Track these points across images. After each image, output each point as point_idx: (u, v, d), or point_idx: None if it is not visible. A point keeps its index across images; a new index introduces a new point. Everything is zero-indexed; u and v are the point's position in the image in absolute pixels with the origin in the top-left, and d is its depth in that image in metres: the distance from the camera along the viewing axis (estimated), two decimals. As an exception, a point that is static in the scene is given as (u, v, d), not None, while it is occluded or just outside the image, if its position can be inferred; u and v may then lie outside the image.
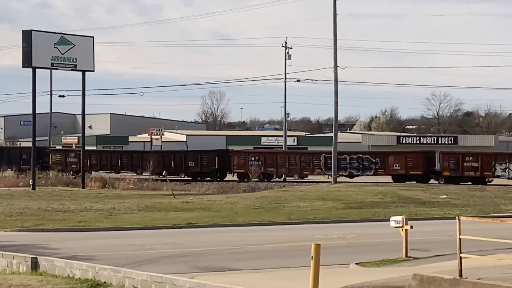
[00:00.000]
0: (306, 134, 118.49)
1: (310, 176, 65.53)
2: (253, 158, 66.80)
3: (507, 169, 60.30)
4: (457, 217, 15.14)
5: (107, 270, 18.27)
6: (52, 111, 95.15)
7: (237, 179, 65.32)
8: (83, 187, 56.94)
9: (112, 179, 61.58)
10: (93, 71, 58.11)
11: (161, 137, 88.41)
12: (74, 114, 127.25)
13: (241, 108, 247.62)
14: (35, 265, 20.09)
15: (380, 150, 73.77)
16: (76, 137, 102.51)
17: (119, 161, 70.35)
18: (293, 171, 64.75)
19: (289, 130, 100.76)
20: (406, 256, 22.55)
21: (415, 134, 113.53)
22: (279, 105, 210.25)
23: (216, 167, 66.94)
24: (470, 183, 59.79)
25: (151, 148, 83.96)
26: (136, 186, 58.07)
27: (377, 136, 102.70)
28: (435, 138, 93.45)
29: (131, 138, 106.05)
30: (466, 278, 14.39)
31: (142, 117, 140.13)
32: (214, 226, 32.86)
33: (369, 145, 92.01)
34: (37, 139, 58.92)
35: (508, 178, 60.42)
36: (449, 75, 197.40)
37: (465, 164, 61.14)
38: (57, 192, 51.80)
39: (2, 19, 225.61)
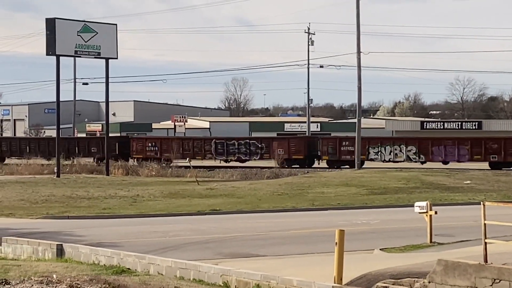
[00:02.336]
0: (329, 120, 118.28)
1: (203, 160, 67.98)
2: (150, 144, 70.18)
3: (379, 152, 63.81)
4: (481, 202, 15.07)
5: (132, 257, 18.38)
6: (76, 98, 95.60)
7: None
8: (107, 174, 57.22)
9: (135, 166, 61.83)
10: (116, 58, 58.23)
11: (184, 124, 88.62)
12: (98, 102, 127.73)
13: (264, 95, 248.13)
14: (60, 252, 20.26)
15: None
16: (100, 125, 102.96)
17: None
18: (186, 156, 66.18)
19: (312, 116, 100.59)
20: (431, 241, 22.49)
21: (439, 120, 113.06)
22: (302, 91, 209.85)
23: (117, 152, 68.93)
24: (347, 166, 62.25)
25: (174, 135, 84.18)
26: (159, 173, 58.26)
27: (400, 121, 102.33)
28: (459, 123, 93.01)
29: (154, 125, 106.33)
30: (491, 263, 14.33)
31: (165, 104, 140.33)
32: (238, 212, 32.92)
33: (392, 131, 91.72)
34: (61, 126, 59.24)
35: (382, 161, 63.57)
36: (473, 59, 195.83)
37: (342, 148, 64.25)
38: (82, 180, 52.09)
39: (25, 8, 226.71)
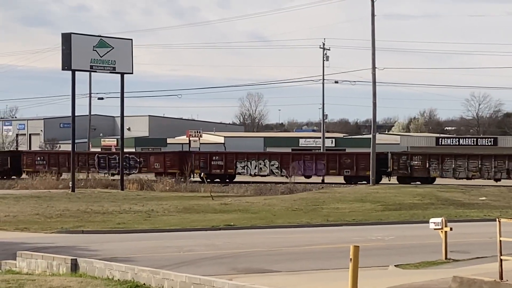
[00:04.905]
0: (344, 136, 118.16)
1: (89, 174, 69.16)
2: (39, 158, 73.23)
3: (246, 167, 67.28)
4: (497, 219, 15.01)
5: (146, 272, 18.36)
6: (91, 113, 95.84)
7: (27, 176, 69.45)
8: (122, 189, 57.33)
9: (149, 181, 61.92)
10: (132, 73, 58.49)
11: (199, 139, 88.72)
12: (113, 116, 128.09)
13: (279, 110, 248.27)
14: (74, 266, 20.25)
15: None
16: (115, 139, 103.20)
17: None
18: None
19: (327, 131, 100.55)
20: (446, 258, 22.38)
21: (454, 136, 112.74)
22: (317, 107, 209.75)
23: (9, 166, 72.42)
24: (218, 180, 65.43)
25: (189, 149, 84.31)
26: (173, 188, 58.31)
27: (416, 137, 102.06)
28: (475, 139, 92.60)
29: (169, 140, 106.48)
30: (507, 280, 14.25)
31: (180, 119, 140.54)
32: (252, 227, 32.88)
33: (407, 147, 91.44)
34: (76, 141, 59.44)
35: (251, 175, 66.90)
36: (489, 75, 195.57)
37: (212, 162, 67.80)
38: (96, 194, 52.22)
39: (41, 23, 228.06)
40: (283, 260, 22.87)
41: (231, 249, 25.36)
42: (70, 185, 55.23)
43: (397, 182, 62.61)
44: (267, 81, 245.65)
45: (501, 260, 14.61)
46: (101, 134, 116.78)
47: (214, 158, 68.29)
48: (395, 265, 21.20)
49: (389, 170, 64.49)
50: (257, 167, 67.11)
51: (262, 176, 66.56)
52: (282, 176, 65.98)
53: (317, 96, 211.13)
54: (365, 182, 62.70)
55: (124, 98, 59.79)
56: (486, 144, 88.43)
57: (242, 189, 59.62)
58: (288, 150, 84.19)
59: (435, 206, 42.89)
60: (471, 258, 22.37)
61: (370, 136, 63.83)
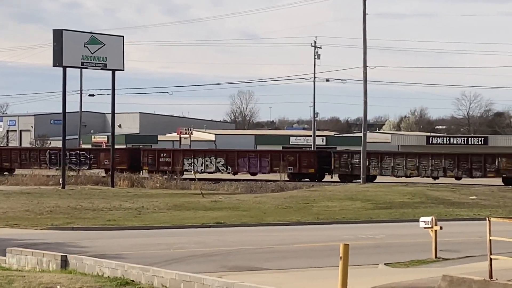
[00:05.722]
0: (335, 134, 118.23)
1: (39, 170, 69.69)
2: None
3: (192, 164, 68.86)
4: (487, 218, 15.06)
5: (136, 269, 18.35)
6: (82, 110, 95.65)
7: None
8: (112, 186, 57.25)
9: (140, 178, 61.83)
10: (123, 70, 58.36)
11: (190, 136, 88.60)
12: (104, 113, 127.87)
13: (270, 108, 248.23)
14: (64, 263, 20.22)
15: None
16: (106, 136, 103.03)
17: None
18: (24, 166, 71.18)
19: (318, 129, 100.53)
20: (436, 257, 22.44)
21: (445, 135, 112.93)
22: (308, 105, 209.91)
23: None
24: (165, 176, 63.97)
25: (180, 147, 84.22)
26: (164, 185, 58.25)
27: (406, 136, 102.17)
28: (465, 138, 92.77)
29: (160, 137, 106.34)
30: (496, 279, 14.30)
31: (171, 116, 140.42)
32: (243, 225, 32.88)
33: (398, 145, 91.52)
34: (67, 137, 59.31)
35: (198, 172, 66.14)
36: (480, 75, 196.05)
37: (160, 159, 69.23)
38: (87, 191, 52.13)
39: (32, 20, 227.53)
40: (273, 258, 22.89)
41: (221, 246, 25.36)
42: (61, 182, 55.12)
43: (339, 180, 64.38)
44: (258, 79, 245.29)
45: (490, 259, 14.65)
46: (91, 131, 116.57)
47: (162, 155, 69.66)
48: (385, 264, 21.24)
49: (331, 168, 65.93)
50: (203, 164, 68.65)
51: (208, 173, 67.81)
52: (229, 173, 67.39)
53: (308, 94, 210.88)
54: (308, 179, 64.64)
55: (115, 95, 59.65)
56: (477, 143, 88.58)
57: (233, 186, 59.61)
58: (269, 147, 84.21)
59: (425, 205, 42.95)
60: (460, 257, 22.43)
61: (361, 134, 63.94)
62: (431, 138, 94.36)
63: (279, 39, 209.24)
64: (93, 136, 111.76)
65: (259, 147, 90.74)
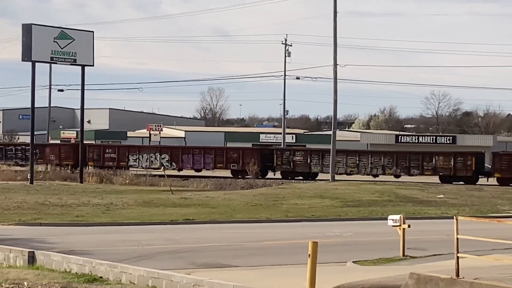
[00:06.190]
0: (304, 132, 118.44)
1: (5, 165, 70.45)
2: None
3: (137, 160, 69.72)
4: (454, 217, 15.15)
5: (104, 265, 18.28)
6: (51, 105, 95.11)
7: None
8: (81, 182, 56.90)
9: (109, 174, 61.54)
10: (93, 65, 58.00)
11: (159, 132, 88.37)
12: (73, 109, 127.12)
13: (240, 105, 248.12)
14: (32, 259, 20.11)
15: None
16: (75, 132, 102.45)
17: None
18: None
19: (288, 127, 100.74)
20: (403, 255, 22.56)
21: (414, 133, 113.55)
22: (278, 103, 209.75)
23: None
24: (109, 169, 65.20)
25: (149, 143, 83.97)
26: (133, 182, 58.01)
27: (375, 134, 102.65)
28: (434, 137, 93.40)
29: (129, 133, 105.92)
30: (463, 278, 14.40)
31: (141, 112, 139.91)
32: (212, 222, 32.85)
33: (367, 144, 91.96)
34: (35, 133, 58.87)
35: (143, 168, 68.99)
36: (449, 74, 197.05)
37: (106, 155, 69.84)
38: (55, 187, 51.76)
39: (1, 13, 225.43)
40: (242, 255, 22.90)
41: (190, 243, 25.33)
42: (29, 177, 54.70)
43: (281, 177, 65.40)
44: (229, 76, 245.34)
45: (457, 257, 14.75)
46: (60, 126, 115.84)
47: (107, 151, 70.30)
48: (353, 262, 21.32)
49: (274, 165, 66.83)
50: (148, 160, 69.37)
51: (153, 169, 67.65)
52: (174, 169, 67.77)
53: (278, 92, 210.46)
54: (250, 176, 65.18)
55: (85, 91, 59.24)
56: (445, 142, 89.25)
57: (202, 183, 59.48)
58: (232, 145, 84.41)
59: (393, 203, 43.18)
60: (428, 255, 22.57)
61: (331, 132, 64.16)
62: (400, 137, 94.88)
63: (251, 36, 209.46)
64: (62, 131, 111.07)
65: (229, 144, 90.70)
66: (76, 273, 18.51)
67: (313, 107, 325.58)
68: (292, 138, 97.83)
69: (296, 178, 64.88)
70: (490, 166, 63.74)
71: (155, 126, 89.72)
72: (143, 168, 68.74)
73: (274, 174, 66.83)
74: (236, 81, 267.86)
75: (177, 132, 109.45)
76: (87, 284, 17.06)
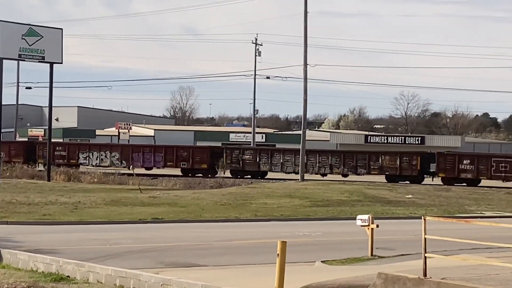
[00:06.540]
0: (274, 131, 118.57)
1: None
2: None
3: (88, 158, 70.49)
4: (422, 217, 15.21)
5: (71, 264, 18.15)
6: (19, 103, 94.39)
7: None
8: (49, 180, 56.50)
9: (77, 173, 61.18)
10: (61, 63, 57.63)
11: (128, 131, 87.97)
12: (41, 106, 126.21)
13: (210, 104, 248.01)
14: (-2, 258, 19.89)
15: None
16: (43, 130, 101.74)
17: None
18: None
19: (258, 127, 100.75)
20: (372, 254, 22.63)
21: (383, 134, 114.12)
22: (248, 102, 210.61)
23: None
24: (61, 167, 63.98)
25: (118, 142, 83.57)
26: (101, 180, 57.70)
27: (345, 134, 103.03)
28: (403, 138, 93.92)
29: (98, 132, 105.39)
30: (431, 277, 14.45)
31: (110, 110, 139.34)
32: (181, 221, 32.74)
33: (337, 144, 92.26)
34: (2, 130, 58.35)
35: (93, 166, 69.36)
36: (418, 75, 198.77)
37: (56, 153, 69.33)
38: (22, 185, 51.32)
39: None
40: (210, 254, 22.84)
41: (158, 242, 25.23)
42: (-7, 175, 54.21)
43: (231, 176, 66.14)
44: (199, 75, 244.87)
45: (425, 257, 14.81)
46: (28, 124, 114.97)
47: (57, 148, 70.18)
48: (321, 261, 21.34)
49: (223, 163, 67.43)
50: (98, 158, 69.89)
51: (104, 167, 68.01)
52: (124, 167, 67.98)
53: (248, 91, 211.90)
54: (201, 174, 66.11)
55: (53, 88, 58.83)
56: (414, 142, 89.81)
57: (171, 182, 59.34)
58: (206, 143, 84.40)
59: (362, 203, 43.33)
60: (396, 255, 22.66)
61: (300, 132, 64.25)
62: (369, 137, 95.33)
63: (221, 35, 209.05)
64: (29, 129, 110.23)
65: (199, 143, 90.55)
66: (42, 272, 18.35)
67: (283, 107, 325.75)
68: (262, 138, 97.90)
69: (245, 176, 65.55)
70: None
71: (124, 124, 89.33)
72: (93, 166, 68.89)
73: (224, 173, 67.07)
74: (206, 80, 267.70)
75: (146, 130, 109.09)
76: (54, 283, 16.91)
